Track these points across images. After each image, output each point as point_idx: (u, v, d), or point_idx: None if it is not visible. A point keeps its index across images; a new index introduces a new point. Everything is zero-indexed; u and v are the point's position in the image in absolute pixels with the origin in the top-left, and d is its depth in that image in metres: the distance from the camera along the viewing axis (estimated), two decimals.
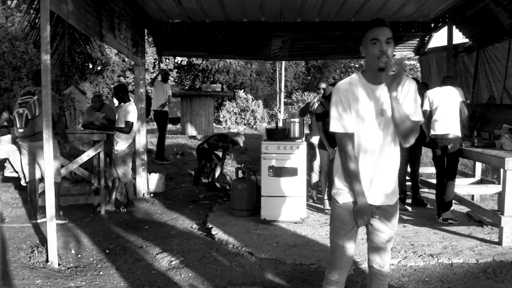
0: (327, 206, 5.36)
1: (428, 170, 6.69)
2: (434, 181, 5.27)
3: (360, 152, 2.07)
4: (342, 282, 2.22)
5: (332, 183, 2.25)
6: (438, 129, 4.69)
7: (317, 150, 5.64)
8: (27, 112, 4.41)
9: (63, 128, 4.69)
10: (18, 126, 4.46)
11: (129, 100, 5.51)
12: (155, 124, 8.79)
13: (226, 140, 7.16)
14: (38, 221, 4.49)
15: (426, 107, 4.79)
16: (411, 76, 26.94)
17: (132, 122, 5.34)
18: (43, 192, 3.95)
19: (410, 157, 5.47)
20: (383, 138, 2.05)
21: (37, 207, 4.57)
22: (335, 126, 2.08)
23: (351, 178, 2.06)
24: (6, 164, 5.51)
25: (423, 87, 5.45)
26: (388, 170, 2.09)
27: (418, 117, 2.05)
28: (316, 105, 5.63)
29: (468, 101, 6.78)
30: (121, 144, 5.38)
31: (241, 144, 7.35)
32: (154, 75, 9.17)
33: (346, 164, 2.07)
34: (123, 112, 5.39)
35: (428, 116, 4.80)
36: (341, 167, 2.13)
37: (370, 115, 2.03)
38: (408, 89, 2.06)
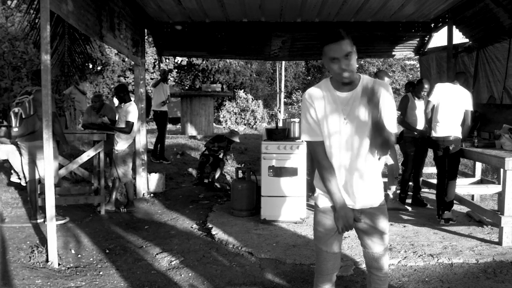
0: None
1: (428, 170, 6.68)
2: (434, 181, 5.27)
3: (332, 159, 2.05)
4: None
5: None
6: (439, 131, 4.68)
7: None
8: (22, 111, 4.41)
9: (60, 129, 4.66)
10: (13, 125, 4.47)
11: (130, 100, 5.51)
12: (155, 124, 8.77)
13: (222, 139, 7.19)
14: (38, 221, 4.49)
15: (434, 100, 4.75)
16: (409, 77, 26.96)
17: (133, 122, 5.34)
18: (43, 192, 3.95)
19: (417, 159, 5.46)
20: (351, 144, 2.01)
21: (37, 207, 4.57)
22: (304, 135, 2.08)
23: (326, 183, 2.05)
24: (13, 171, 5.52)
25: (417, 85, 5.42)
26: (363, 174, 2.04)
27: (392, 128, 2.00)
28: None
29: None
30: (121, 144, 5.38)
31: (238, 140, 7.38)
32: (156, 75, 9.16)
33: (320, 171, 2.07)
34: (123, 112, 5.39)
35: (430, 112, 4.81)
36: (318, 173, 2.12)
37: (337, 123, 2.00)
38: (382, 97, 1.97)
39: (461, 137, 4.67)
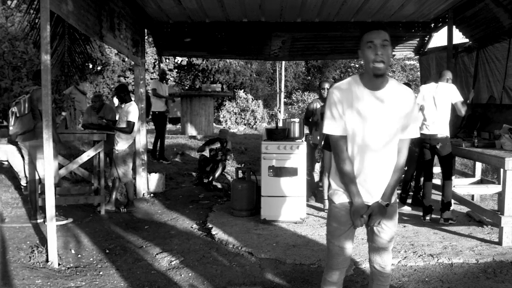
0: (327, 206, 5.34)
1: None
2: (434, 181, 5.27)
3: (356, 155, 2.06)
4: (340, 283, 2.21)
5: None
6: (425, 129, 4.74)
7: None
8: (16, 110, 4.41)
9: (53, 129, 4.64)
10: (10, 124, 4.48)
11: (131, 100, 5.51)
12: (153, 125, 8.70)
13: (214, 142, 7.24)
14: (38, 221, 4.49)
15: (419, 101, 4.80)
16: (409, 77, 26.95)
17: (134, 122, 5.34)
18: (43, 192, 3.95)
19: (420, 159, 5.45)
20: (380, 143, 2.03)
21: (37, 207, 4.57)
22: (329, 128, 2.08)
23: (346, 179, 2.06)
24: (22, 176, 5.52)
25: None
26: (384, 172, 2.08)
27: (413, 134, 2.08)
28: (318, 105, 5.63)
29: (468, 101, 6.78)
30: (121, 144, 5.38)
31: (228, 137, 7.43)
32: (156, 76, 9.12)
33: (340, 165, 2.07)
34: (124, 113, 5.39)
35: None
36: (336, 169, 2.13)
37: (366, 120, 2.01)
38: (402, 103, 2.03)
39: (448, 135, 4.67)
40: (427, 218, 4.86)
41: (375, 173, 2.06)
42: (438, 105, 4.66)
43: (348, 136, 2.06)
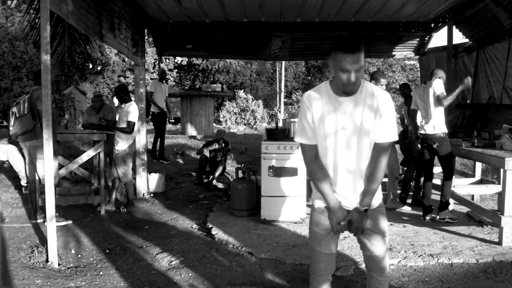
0: None
1: None
2: (434, 181, 5.27)
3: (327, 161, 2.04)
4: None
5: None
6: (421, 129, 4.81)
7: None
8: (16, 110, 4.41)
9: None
10: (10, 124, 4.49)
11: (131, 100, 5.51)
12: (152, 125, 8.66)
13: (213, 143, 7.29)
14: (38, 221, 4.49)
15: (414, 106, 4.93)
16: (409, 77, 26.96)
17: (134, 122, 5.35)
18: (43, 192, 3.95)
19: (420, 159, 5.46)
20: (349, 149, 2.00)
21: (37, 207, 4.57)
22: (298, 137, 2.07)
23: (318, 185, 2.04)
24: (22, 176, 5.52)
25: (406, 89, 5.65)
26: (359, 176, 2.04)
27: (389, 138, 1.98)
28: None
29: (468, 101, 6.79)
30: (121, 144, 5.39)
31: (225, 137, 7.47)
32: (156, 76, 9.07)
33: (312, 173, 2.07)
34: (124, 113, 5.40)
35: (413, 115, 4.97)
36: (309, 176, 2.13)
37: (333, 127, 1.98)
38: (376, 105, 1.96)
39: (445, 135, 4.67)
40: (427, 218, 4.86)
41: (347, 179, 2.03)
42: (427, 104, 4.69)
43: (318, 143, 2.03)
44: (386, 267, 2.17)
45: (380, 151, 2.00)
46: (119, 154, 5.39)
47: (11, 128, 4.48)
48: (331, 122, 1.99)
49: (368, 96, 1.97)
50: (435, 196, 5.19)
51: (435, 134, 4.63)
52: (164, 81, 8.68)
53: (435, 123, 4.63)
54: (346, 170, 2.02)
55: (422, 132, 4.77)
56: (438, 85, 4.62)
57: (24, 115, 4.42)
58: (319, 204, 2.12)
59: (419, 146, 5.02)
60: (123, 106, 5.51)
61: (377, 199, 2.10)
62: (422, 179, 5.80)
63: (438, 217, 4.76)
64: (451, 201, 4.96)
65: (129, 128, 5.31)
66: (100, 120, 5.69)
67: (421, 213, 5.00)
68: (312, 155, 2.06)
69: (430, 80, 4.83)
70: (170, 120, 15.94)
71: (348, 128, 1.97)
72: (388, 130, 1.98)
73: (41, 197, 4.53)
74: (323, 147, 2.03)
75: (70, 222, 4.59)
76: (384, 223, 2.12)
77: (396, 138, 2.04)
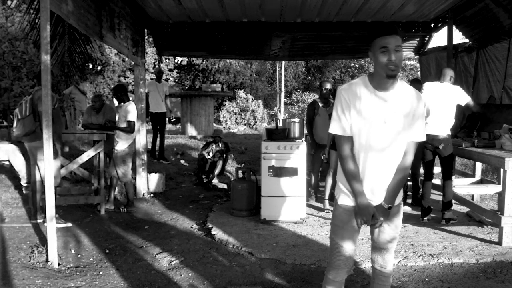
0: (327, 206, 5.36)
1: None
2: (434, 181, 5.27)
3: (361, 155, 2.06)
4: (341, 282, 2.22)
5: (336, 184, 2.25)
6: (429, 129, 4.67)
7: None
8: (18, 112, 4.43)
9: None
10: (13, 126, 4.50)
11: (128, 100, 5.53)
12: (150, 125, 8.60)
13: (208, 145, 7.32)
14: (38, 221, 4.49)
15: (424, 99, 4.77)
16: (409, 77, 26.95)
17: (134, 121, 5.38)
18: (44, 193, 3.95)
19: (416, 159, 5.46)
20: (385, 144, 2.03)
21: (37, 207, 4.57)
22: (334, 128, 2.08)
23: (350, 179, 2.06)
24: (22, 176, 5.53)
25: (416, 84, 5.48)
26: (388, 173, 2.08)
27: (420, 137, 2.07)
28: (320, 105, 5.64)
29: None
30: (121, 144, 5.40)
31: (222, 136, 7.50)
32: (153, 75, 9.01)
33: (344, 165, 2.07)
34: (123, 112, 5.41)
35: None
36: (341, 168, 2.13)
37: (372, 121, 2.01)
38: (412, 105, 2.02)
39: (450, 134, 4.66)
40: (425, 219, 4.85)
41: (379, 173, 2.06)
42: (443, 106, 4.62)
43: (354, 136, 2.05)
44: (390, 262, 2.24)
45: (410, 150, 2.06)
46: (118, 154, 5.40)
47: (14, 130, 4.50)
48: (370, 116, 2.00)
49: (405, 93, 2.03)
50: (434, 196, 5.19)
51: (443, 136, 4.61)
52: (162, 80, 8.54)
53: (446, 125, 4.61)
54: (376, 164, 2.04)
55: (428, 132, 4.67)
56: (464, 93, 4.71)
57: (26, 116, 4.43)
58: (345, 201, 2.14)
59: (419, 146, 5.01)
60: (121, 105, 5.53)
61: (398, 197, 2.15)
62: (420, 178, 5.81)
63: (443, 220, 4.73)
64: None
65: (130, 128, 5.34)
66: (105, 123, 5.70)
67: (420, 213, 4.99)
68: (348, 148, 2.06)
69: (439, 79, 4.79)
70: (172, 119, 15.87)
71: (387, 123, 2.00)
72: (421, 130, 2.06)
73: (41, 197, 4.53)
74: (358, 142, 2.04)
75: (69, 224, 4.59)
76: (399, 220, 2.19)
77: (424, 138, 2.11)
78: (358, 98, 2.02)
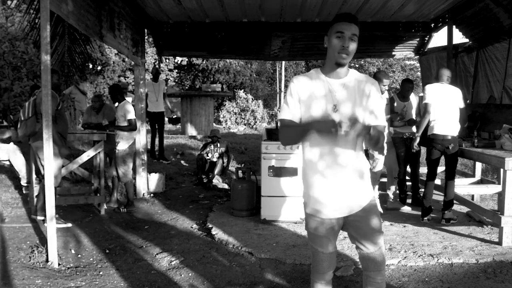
0: None
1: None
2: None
3: (315, 148, 2.00)
4: (329, 281, 2.18)
5: None
6: (438, 129, 4.66)
7: None
8: (21, 113, 4.46)
9: (55, 131, 4.62)
10: (18, 127, 4.53)
11: (124, 99, 5.58)
12: (149, 125, 8.58)
13: (206, 146, 7.34)
14: (38, 217, 4.48)
15: (428, 100, 4.70)
16: (409, 77, 26.98)
17: (135, 118, 5.42)
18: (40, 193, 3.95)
19: (410, 158, 5.47)
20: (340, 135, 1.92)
21: (44, 205, 4.55)
22: (282, 114, 2.05)
23: (292, 132, 2.01)
24: (22, 176, 5.53)
25: (409, 84, 5.51)
26: (353, 170, 2.00)
27: (379, 122, 2.00)
28: None
29: (468, 101, 6.78)
30: (122, 144, 5.41)
31: (219, 136, 7.52)
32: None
33: (288, 133, 2.02)
34: (121, 112, 5.43)
35: (424, 112, 4.80)
36: (304, 175, 2.10)
37: (323, 108, 1.97)
38: (368, 91, 1.99)
39: (458, 134, 4.67)
40: (425, 219, 4.85)
41: (335, 163, 1.98)
42: (448, 106, 4.63)
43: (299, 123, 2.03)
44: (382, 266, 2.12)
45: (375, 133, 1.93)
46: (119, 153, 5.41)
47: (18, 131, 4.55)
48: (322, 103, 1.98)
49: (357, 80, 2.01)
50: (434, 196, 5.18)
51: (452, 135, 4.60)
52: (158, 80, 8.46)
53: (455, 125, 4.61)
54: (334, 155, 1.98)
55: (437, 132, 4.65)
56: (461, 95, 4.74)
57: (28, 118, 4.45)
58: (309, 207, 2.11)
59: (419, 146, 5.01)
60: (117, 105, 5.56)
61: (368, 195, 2.07)
62: (420, 178, 5.81)
63: (443, 221, 4.74)
64: None
65: (132, 125, 5.40)
66: (105, 126, 5.73)
67: (421, 213, 4.99)
68: (289, 123, 2.02)
69: (439, 80, 4.78)
70: (173, 116, 15.81)
71: (339, 110, 1.96)
72: (378, 114, 2.01)
73: (38, 202, 4.53)
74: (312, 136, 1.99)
75: (69, 225, 4.59)
76: (376, 220, 2.07)
77: (384, 123, 2.06)
78: (308, 87, 2.01)
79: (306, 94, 2.00)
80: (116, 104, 5.67)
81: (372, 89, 2.01)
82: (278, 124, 2.09)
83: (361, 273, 3.43)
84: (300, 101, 2.01)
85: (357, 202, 2.04)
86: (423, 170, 6.09)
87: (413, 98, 5.55)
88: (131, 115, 5.38)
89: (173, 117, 15.74)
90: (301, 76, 2.06)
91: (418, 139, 4.96)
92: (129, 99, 5.66)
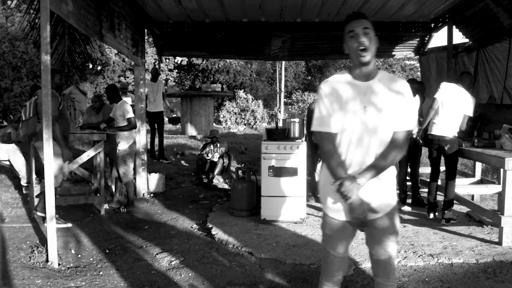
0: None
1: (428, 170, 6.67)
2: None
3: (348, 153, 1.97)
4: (338, 284, 2.15)
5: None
6: (435, 130, 4.69)
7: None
8: (22, 114, 4.47)
9: (58, 132, 4.61)
10: (19, 127, 4.54)
11: (121, 99, 5.60)
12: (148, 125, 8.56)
13: (205, 146, 7.34)
14: (38, 213, 4.47)
15: (439, 97, 4.69)
16: (409, 77, 27.01)
17: (133, 117, 5.45)
18: (43, 192, 3.95)
19: (410, 157, 5.47)
20: (369, 137, 1.93)
21: (39, 206, 4.56)
22: (315, 125, 2.02)
23: (335, 169, 1.95)
24: (22, 176, 5.53)
25: (420, 86, 5.50)
26: (374, 178, 1.94)
27: (408, 126, 1.96)
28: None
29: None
30: (122, 144, 5.42)
31: (218, 136, 7.55)
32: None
33: (327, 161, 1.98)
34: (119, 112, 5.43)
35: (429, 107, 4.80)
36: (324, 175, 2.05)
37: (354, 113, 1.93)
38: (397, 92, 1.94)
39: (456, 135, 4.67)
40: (431, 215, 4.84)
41: (364, 166, 1.96)
42: (455, 108, 4.63)
43: (341, 131, 1.97)
44: (392, 275, 2.10)
45: (397, 139, 1.94)
46: (119, 153, 5.42)
47: (19, 131, 4.54)
48: (351, 107, 1.94)
49: (385, 81, 1.97)
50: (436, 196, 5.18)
51: (449, 137, 4.61)
52: (157, 80, 8.45)
53: (454, 127, 4.62)
54: (362, 156, 1.95)
55: (435, 133, 4.68)
56: (472, 109, 4.74)
57: (30, 118, 4.46)
58: (331, 205, 2.04)
59: (421, 141, 5.02)
60: (115, 105, 5.58)
61: (390, 202, 2.03)
62: (420, 178, 5.82)
63: (443, 221, 4.74)
64: None
65: (132, 124, 5.42)
66: (104, 129, 5.73)
67: (421, 212, 5.00)
68: (328, 143, 1.98)
69: (459, 83, 4.76)
70: (172, 115, 15.80)
71: (369, 112, 1.92)
72: (409, 119, 1.97)
73: (38, 198, 4.53)
74: (341, 136, 1.97)
75: (69, 225, 4.59)
76: (393, 228, 2.04)
77: (412, 128, 2.01)
78: (337, 91, 1.97)
79: (335, 97, 1.97)
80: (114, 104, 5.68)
81: (401, 89, 1.96)
82: (315, 134, 2.04)
83: (361, 273, 3.44)
84: (331, 105, 1.97)
85: (379, 208, 1.99)
86: (423, 170, 6.10)
87: (416, 99, 5.54)
88: (130, 115, 5.39)
89: (172, 116, 15.72)
90: (329, 80, 2.04)
91: (420, 132, 4.97)
92: (128, 99, 5.65)
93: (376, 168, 1.93)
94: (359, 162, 1.96)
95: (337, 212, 2.03)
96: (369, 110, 1.93)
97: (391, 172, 2.04)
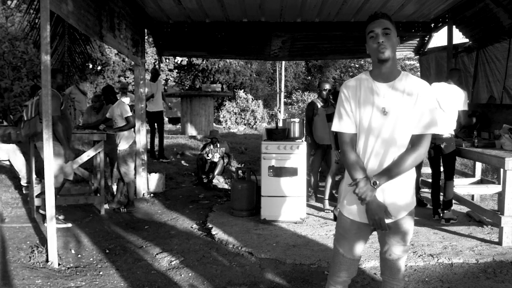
0: (327, 206, 5.36)
1: (428, 170, 6.67)
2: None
3: (365, 154, 1.97)
4: (345, 285, 2.13)
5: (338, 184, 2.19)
6: None
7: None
8: (24, 114, 4.47)
9: (60, 132, 4.61)
10: (20, 127, 4.54)
11: (117, 100, 5.61)
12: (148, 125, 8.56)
13: (205, 146, 7.36)
14: (41, 211, 4.48)
15: None
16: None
17: (131, 115, 5.45)
18: (43, 192, 3.95)
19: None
20: (387, 138, 1.93)
21: (41, 206, 4.56)
22: (335, 126, 2.04)
23: (352, 170, 1.95)
24: (22, 176, 5.53)
25: None
26: (394, 181, 1.93)
27: (428, 129, 1.91)
28: (319, 105, 5.65)
29: (468, 101, 6.78)
30: (122, 144, 5.42)
31: (218, 136, 7.57)
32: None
33: (346, 161, 1.99)
34: (118, 111, 5.43)
35: None
36: (346, 175, 2.05)
37: (372, 114, 1.93)
38: (417, 94, 1.91)
39: (453, 134, 4.67)
40: (436, 216, 4.84)
41: (382, 167, 1.95)
42: (449, 106, 4.64)
43: (359, 132, 1.98)
44: (398, 275, 2.10)
45: (419, 142, 1.92)
46: (120, 153, 5.42)
47: (21, 130, 4.55)
48: (371, 109, 1.93)
49: (407, 83, 1.95)
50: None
51: (446, 135, 4.61)
52: (157, 79, 8.43)
53: (450, 125, 4.61)
54: (382, 159, 1.94)
55: None
56: (466, 102, 4.72)
57: (31, 118, 4.46)
58: (348, 205, 2.03)
59: None
60: (112, 106, 5.58)
61: (408, 205, 2.00)
62: (420, 179, 5.82)
63: (443, 221, 4.74)
64: None
65: (130, 123, 5.41)
66: (103, 129, 5.74)
67: (421, 212, 4.99)
68: (349, 144, 1.99)
69: (438, 79, 4.78)
70: (169, 108, 15.81)
71: (389, 114, 1.91)
72: (431, 122, 1.91)
73: (41, 197, 4.53)
74: (362, 135, 1.98)
75: (69, 225, 4.59)
76: (408, 233, 2.02)
77: (436, 131, 1.93)
78: (357, 92, 1.98)
79: (356, 98, 1.98)
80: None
81: (422, 92, 1.92)
82: (338, 135, 2.06)
83: (361, 273, 3.44)
84: (351, 106, 1.98)
85: (396, 211, 1.97)
86: (423, 170, 6.10)
87: None
88: (127, 114, 5.40)
89: (170, 108, 15.61)
90: (350, 81, 2.04)
91: None
92: (127, 99, 5.63)
93: (393, 171, 1.91)
94: (377, 163, 1.96)
95: (352, 213, 2.03)
96: (388, 112, 1.92)
97: (410, 175, 2.00)
